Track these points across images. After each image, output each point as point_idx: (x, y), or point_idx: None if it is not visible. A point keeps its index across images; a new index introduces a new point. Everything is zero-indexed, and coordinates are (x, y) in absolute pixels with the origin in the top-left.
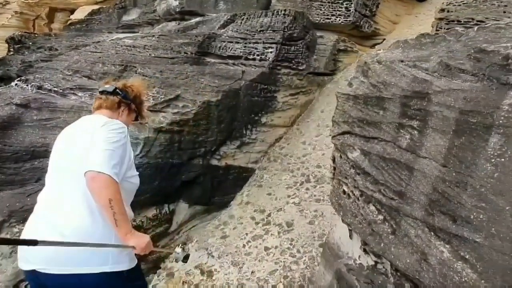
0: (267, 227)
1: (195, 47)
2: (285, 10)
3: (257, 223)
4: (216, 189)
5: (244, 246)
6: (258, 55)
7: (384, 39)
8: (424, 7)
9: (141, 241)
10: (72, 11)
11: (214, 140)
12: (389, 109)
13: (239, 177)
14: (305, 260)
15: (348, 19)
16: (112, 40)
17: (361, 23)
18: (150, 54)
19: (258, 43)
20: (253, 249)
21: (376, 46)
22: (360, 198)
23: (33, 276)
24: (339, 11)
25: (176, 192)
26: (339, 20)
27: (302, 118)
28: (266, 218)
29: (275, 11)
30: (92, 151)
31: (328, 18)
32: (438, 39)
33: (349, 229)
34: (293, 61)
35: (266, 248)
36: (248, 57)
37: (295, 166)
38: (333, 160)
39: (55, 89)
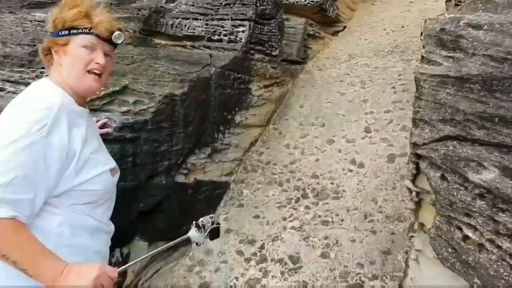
0: (264, 266)
1: (140, 24)
2: None
3: (247, 260)
4: (184, 215)
5: None
6: (225, 35)
7: (345, 27)
8: None
9: (85, 280)
10: None
11: (180, 149)
12: None
13: (211, 195)
14: None
15: (314, 0)
16: (16, 15)
17: (327, 6)
18: None
19: (224, 19)
20: None
21: (339, 34)
22: None
23: None
24: None
25: (132, 227)
26: (305, 0)
27: (278, 115)
28: (259, 251)
29: None
30: None
31: None
32: None
33: None
34: (266, 45)
35: None
36: (212, 37)
37: (283, 177)
38: (413, 180)
39: None
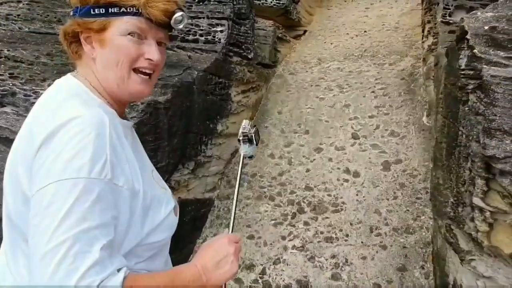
0: None
1: None
2: None
3: None
4: (171, 243)
5: None
6: (202, 35)
7: (306, 31)
8: (334, 0)
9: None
10: None
11: (165, 166)
12: None
13: (196, 215)
14: None
15: (280, 2)
16: None
17: (291, 9)
18: (20, 28)
19: (200, 18)
20: None
21: (301, 37)
22: None
23: None
24: None
25: None
26: (271, 2)
27: (256, 122)
28: (261, 277)
29: None
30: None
31: None
32: None
33: None
34: (243, 47)
35: None
36: (187, 37)
37: (273, 191)
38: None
39: None
